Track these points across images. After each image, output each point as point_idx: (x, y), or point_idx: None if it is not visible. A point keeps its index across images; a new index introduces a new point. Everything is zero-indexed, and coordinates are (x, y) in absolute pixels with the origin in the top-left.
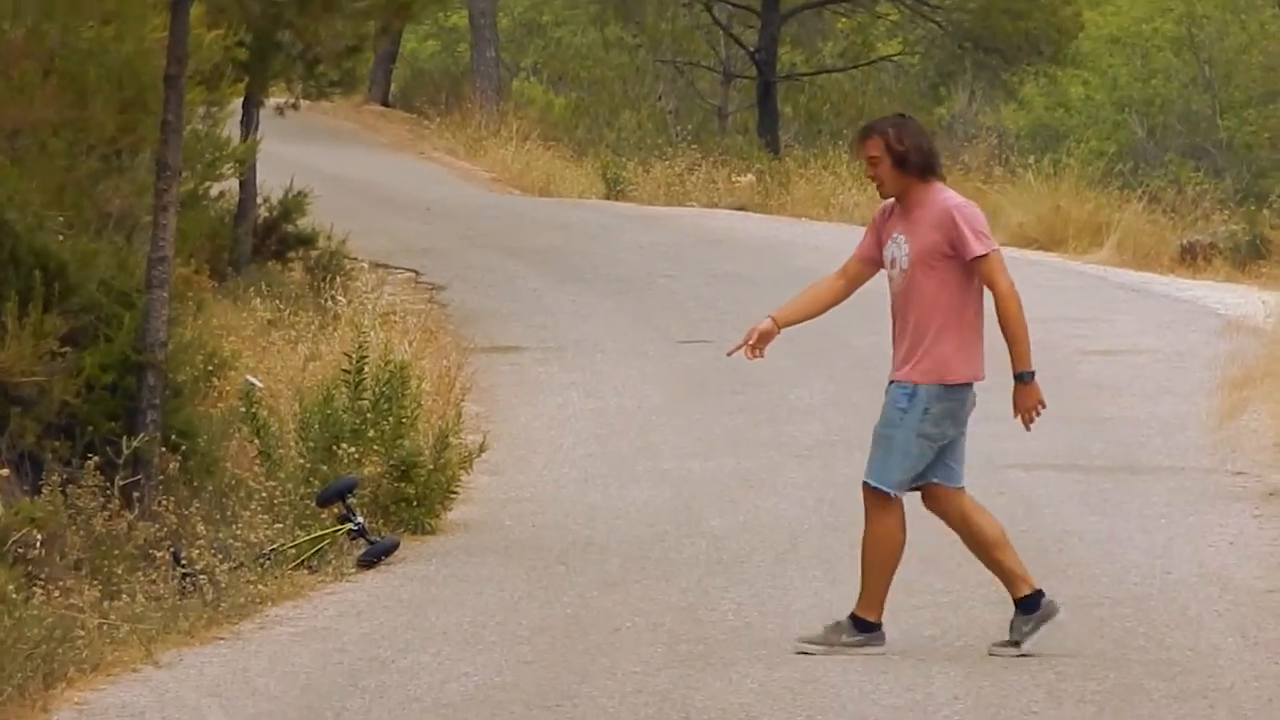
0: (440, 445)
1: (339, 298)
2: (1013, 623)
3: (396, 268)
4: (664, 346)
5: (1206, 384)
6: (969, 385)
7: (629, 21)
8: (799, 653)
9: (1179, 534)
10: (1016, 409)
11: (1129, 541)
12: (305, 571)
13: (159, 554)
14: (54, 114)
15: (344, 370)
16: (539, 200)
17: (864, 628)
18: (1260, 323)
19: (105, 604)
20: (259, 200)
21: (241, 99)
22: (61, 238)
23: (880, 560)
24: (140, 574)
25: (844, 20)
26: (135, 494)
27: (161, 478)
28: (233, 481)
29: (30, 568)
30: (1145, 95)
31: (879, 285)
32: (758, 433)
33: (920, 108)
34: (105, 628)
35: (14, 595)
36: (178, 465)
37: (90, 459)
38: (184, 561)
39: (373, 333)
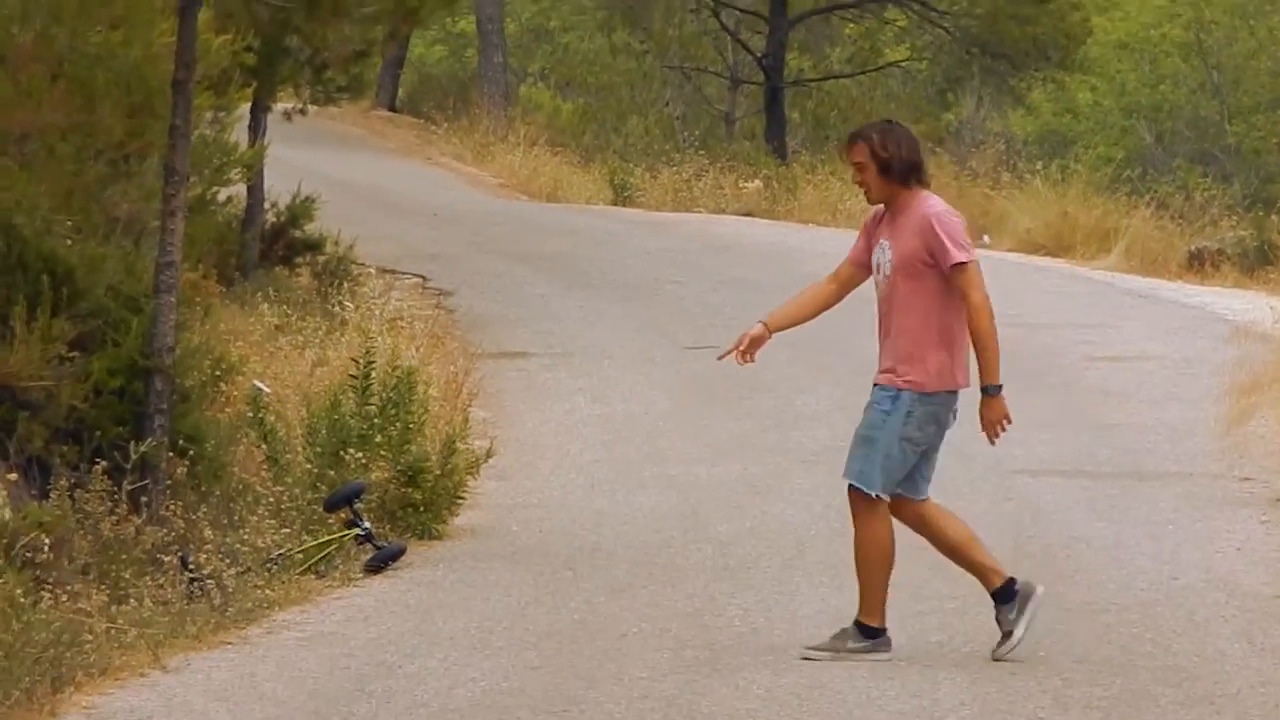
0: (447, 451)
1: (346, 303)
2: (997, 618)
3: (404, 273)
4: (671, 352)
5: (1214, 390)
6: (952, 393)
7: (636, 27)
8: (805, 659)
9: (1186, 540)
10: (983, 422)
11: (1136, 547)
12: (312, 576)
13: (167, 559)
14: (62, 118)
15: (351, 375)
16: (546, 206)
17: (869, 633)
18: (1268, 329)
19: (113, 608)
20: (266, 205)
21: (249, 104)
22: (69, 242)
23: (873, 562)
24: (148, 579)
25: (851, 26)
26: (143, 499)
27: (169, 482)
28: (240, 486)
29: (38, 572)
30: (1153, 101)
31: None
32: (765, 438)
33: (928, 113)
34: (113, 632)
35: (22, 599)
36: (185, 470)
37: (98, 464)
38: (191, 566)
39: (380, 338)
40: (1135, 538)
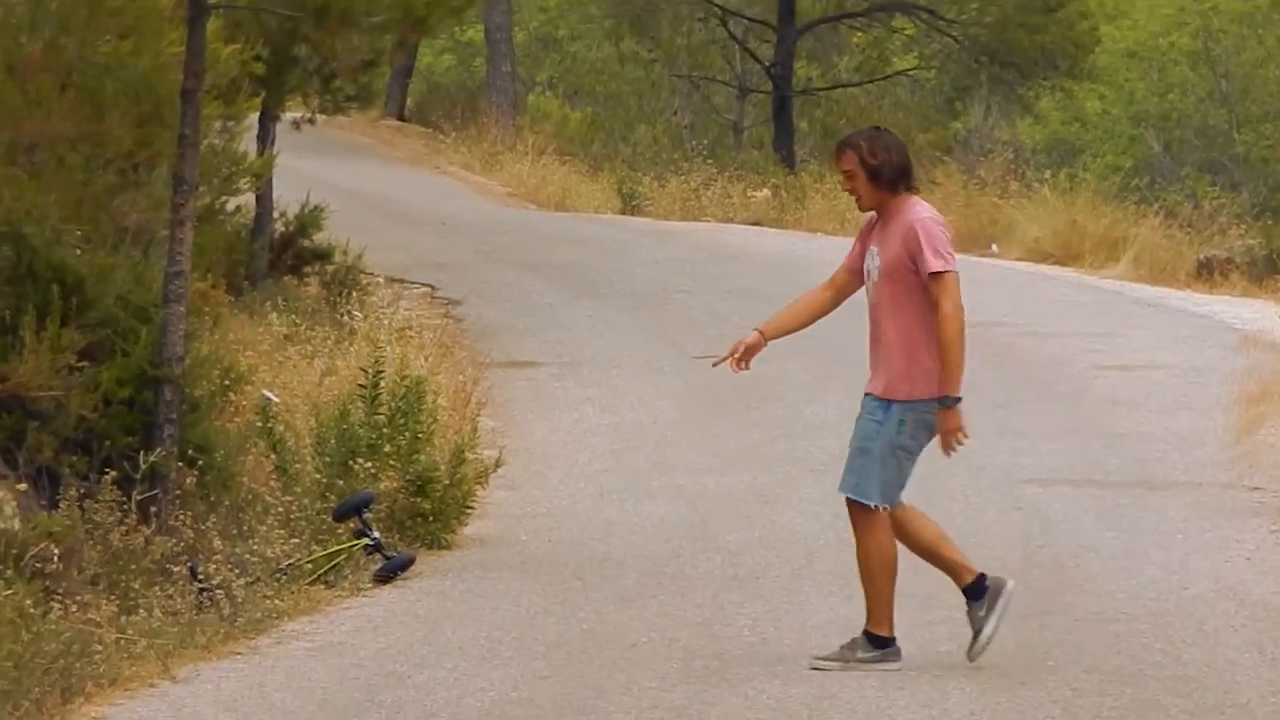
0: (456, 460)
1: (355, 313)
2: (969, 615)
3: (412, 283)
4: (679, 362)
5: (1223, 399)
6: (932, 401)
7: (644, 36)
8: (814, 669)
9: (1196, 549)
10: (939, 433)
11: (1146, 557)
12: (322, 586)
13: (176, 569)
14: (71, 128)
15: (360, 385)
16: (555, 215)
17: (878, 643)
18: (1277, 337)
19: (122, 619)
20: (275, 215)
21: (258, 114)
22: (79, 252)
23: (877, 572)
24: (157, 589)
25: (860, 35)
26: (152, 509)
27: (178, 492)
28: (249, 496)
29: (48, 582)
30: (1162, 110)
31: None
32: (773, 448)
33: (936, 122)
34: (122, 642)
35: (32, 610)
36: (195, 480)
37: (107, 473)
38: (201, 576)
39: (389, 348)
40: (1145, 547)
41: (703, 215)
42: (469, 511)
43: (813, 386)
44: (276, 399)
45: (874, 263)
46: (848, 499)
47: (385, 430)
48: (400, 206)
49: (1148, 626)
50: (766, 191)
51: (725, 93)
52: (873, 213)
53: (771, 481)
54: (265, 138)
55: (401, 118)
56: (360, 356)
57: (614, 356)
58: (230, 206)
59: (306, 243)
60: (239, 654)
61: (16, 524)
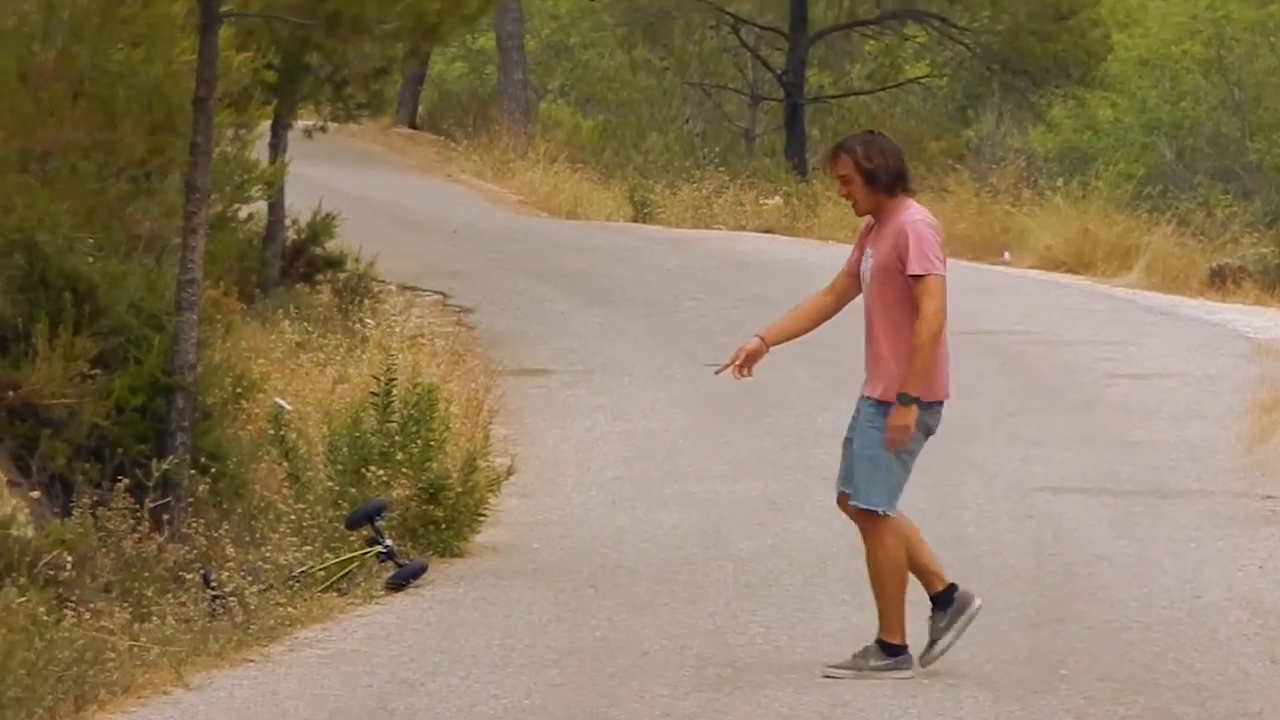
0: (468, 468)
1: (367, 320)
2: (930, 622)
3: (424, 290)
4: (691, 369)
5: (1236, 408)
6: (938, 402)
7: (656, 44)
8: (827, 677)
9: (1209, 558)
10: (887, 426)
11: (1158, 566)
12: (334, 594)
13: (189, 576)
14: (84, 136)
15: (372, 393)
16: (566, 223)
17: (891, 651)
18: None
19: (135, 626)
20: (287, 223)
21: (270, 121)
22: (91, 260)
23: (888, 580)
24: (170, 596)
25: (872, 42)
26: (165, 516)
27: (191, 500)
28: (262, 504)
29: (61, 590)
30: (1174, 118)
31: None
32: (785, 456)
33: (948, 130)
34: (135, 650)
35: (45, 617)
36: (207, 487)
37: (120, 481)
38: (214, 584)
39: (401, 355)
40: (1157, 556)
41: (714, 223)
42: (481, 519)
43: (824, 394)
44: (289, 407)
45: (868, 265)
46: (855, 508)
47: (397, 438)
48: (412, 214)
49: (1160, 635)
50: (778, 199)
51: (737, 100)
52: (870, 217)
53: (783, 489)
54: (277, 145)
55: (413, 125)
56: (372, 364)
57: (626, 364)
58: (242, 214)
59: (318, 250)
60: (252, 661)
61: (30, 531)
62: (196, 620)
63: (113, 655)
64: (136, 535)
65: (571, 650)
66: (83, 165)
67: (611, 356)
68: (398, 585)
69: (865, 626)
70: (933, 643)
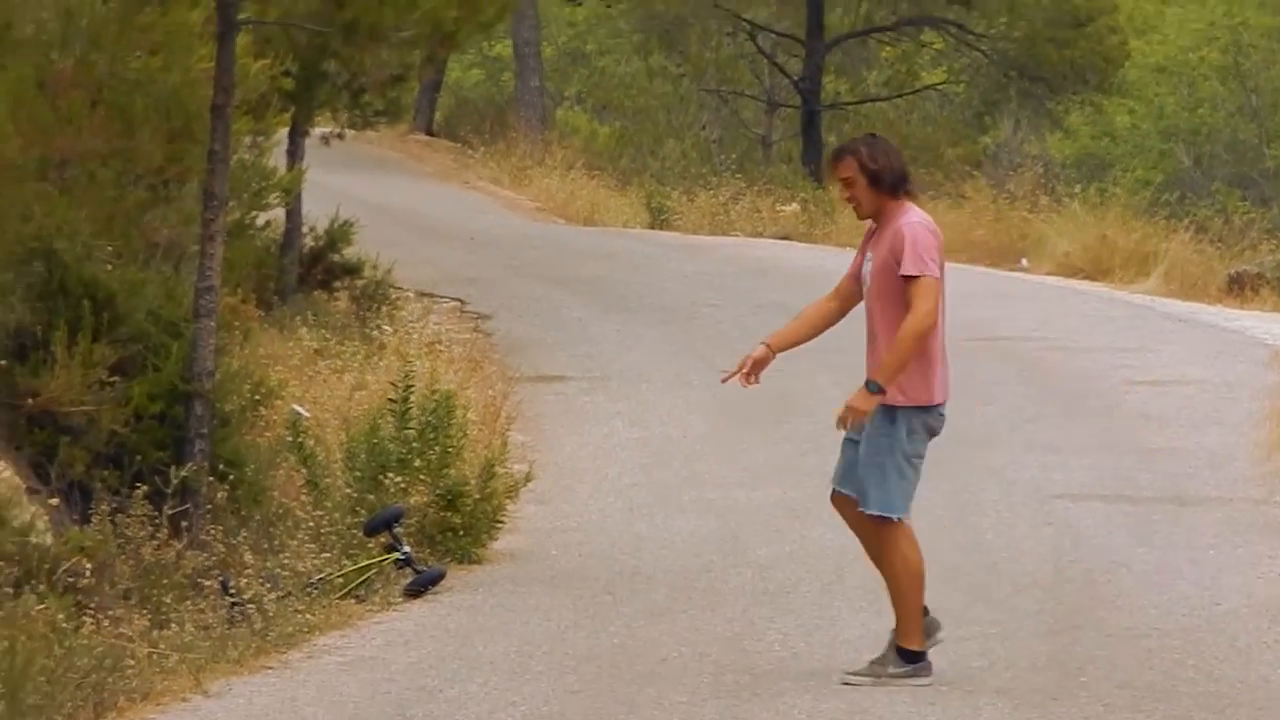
0: (486, 475)
1: (385, 327)
2: (893, 634)
3: (442, 297)
4: (708, 376)
5: (1254, 415)
6: (937, 406)
7: (673, 50)
8: (845, 684)
9: (1228, 565)
10: (845, 405)
11: (1177, 573)
12: (352, 601)
13: (207, 583)
14: (102, 144)
15: (390, 400)
16: (583, 230)
17: (909, 658)
18: None
19: (154, 633)
20: (305, 230)
21: (287, 129)
22: (110, 267)
23: (905, 585)
24: (189, 603)
25: (888, 49)
26: (183, 523)
27: (209, 507)
28: (280, 511)
29: (80, 597)
30: (1191, 124)
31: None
32: (803, 462)
33: (965, 136)
34: (154, 657)
35: (64, 624)
36: (225, 494)
37: (139, 488)
38: (232, 591)
39: (419, 362)
40: (1176, 563)
41: (731, 229)
42: (499, 526)
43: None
44: (307, 413)
45: (869, 269)
46: (870, 515)
47: (415, 445)
48: (429, 221)
49: (1180, 642)
50: (795, 206)
51: (754, 107)
52: (871, 222)
53: (802, 496)
54: (294, 153)
55: (430, 132)
56: (390, 371)
57: (643, 371)
58: (260, 221)
59: (336, 257)
60: (270, 668)
61: (49, 539)
62: (215, 627)
63: (132, 662)
64: (155, 542)
65: (590, 657)
66: (101, 173)
67: (629, 363)
68: (416, 592)
69: (883, 633)
70: (881, 660)
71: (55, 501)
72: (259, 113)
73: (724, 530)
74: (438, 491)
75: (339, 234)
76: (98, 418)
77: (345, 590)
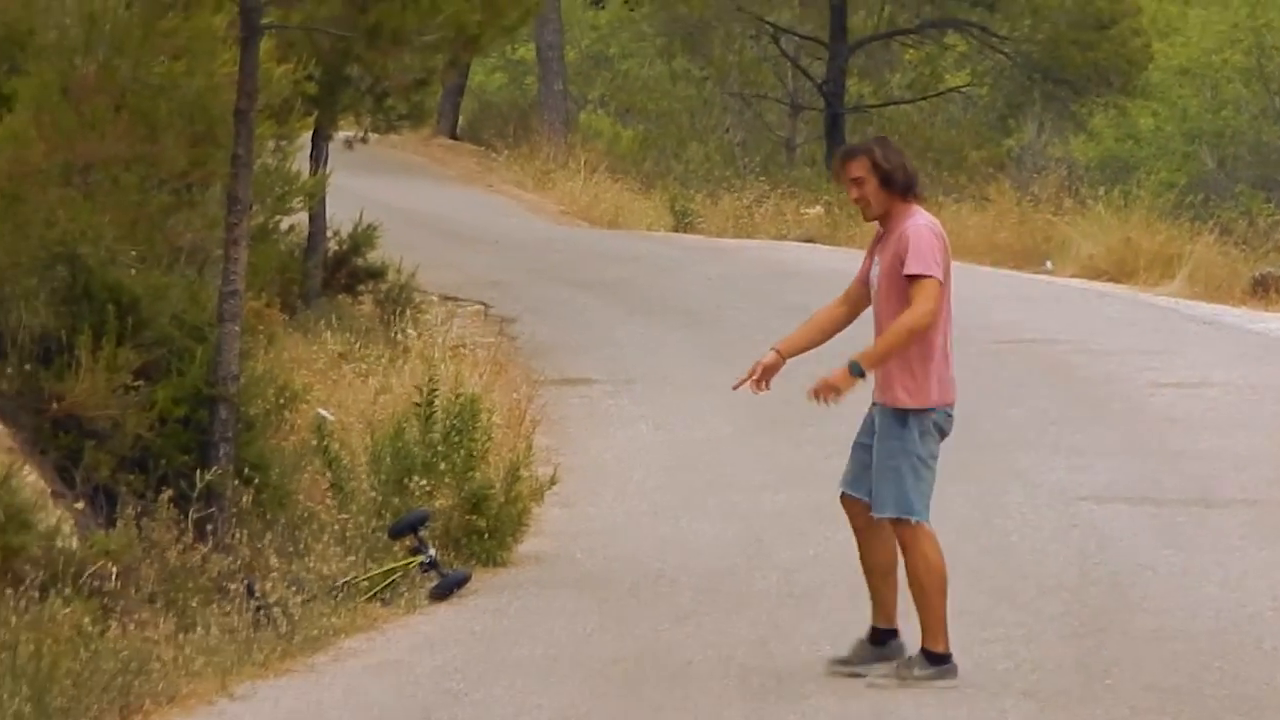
0: (511, 478)
1: (409, 331)
2: (859, 645)
3: (466, 301)
4: (733, 379)
5: None
6: (947, 407)
7: (696, 54)
8: (871, 686)
9: (1254, 568)
10: (823, 380)
11: (1204, 575)
12: (378, 604)
13: (233, 586)
14: (125, 149)
15: (415, 403)
16: (607, 233)
17: (935, 660)
18: None
19: (180, 636)
20: (329, 234)
21: (311, 133)
22: (134, 272)
23: (929, 587)
24: (214, 606)
25: (912, 51)
26: (209, 527)
27: (235, 510)
28: (305, 514)
29: (106, 600)
30: (1215, 127)
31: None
32: (828, 465)
33: (989, 139)
34: (180, 660)
35: (90, 628)
36: (251, 498)
37: (164, 492)
38: (258, 594)
39: (443, 366)
40: (1202, 565)
41: (755, 232)
42: (524, 529)
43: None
44: (332, 417)
45: (876, 271)
46: (889, 519)
47: (440, 448)
48: (453, 225)
49: (1206, 645)
50: (819, 208)
51: (777, 110)
52: (879, 226)
53: (827, 499)
54: (318, 157)
55: (454, 136)
56: (414, 374)
57: (668, 374)
58: (284, 226)
59: (360, 261)
60: (296, 671)
61: (74, 542)
62: (241, 630)
63: (157, 665)
64: (180, 546)
65: (615, 660)
66: (124, 178)
67: (653, 366)
68: (441, 595)
69: (909, 635)
70: (846, 662)
71: (80, 505)
72: (282, 117)
73: (749, 533)
74: (463, 495)
75: (363, 238)
76: (122, 422)
77: (370, 593)
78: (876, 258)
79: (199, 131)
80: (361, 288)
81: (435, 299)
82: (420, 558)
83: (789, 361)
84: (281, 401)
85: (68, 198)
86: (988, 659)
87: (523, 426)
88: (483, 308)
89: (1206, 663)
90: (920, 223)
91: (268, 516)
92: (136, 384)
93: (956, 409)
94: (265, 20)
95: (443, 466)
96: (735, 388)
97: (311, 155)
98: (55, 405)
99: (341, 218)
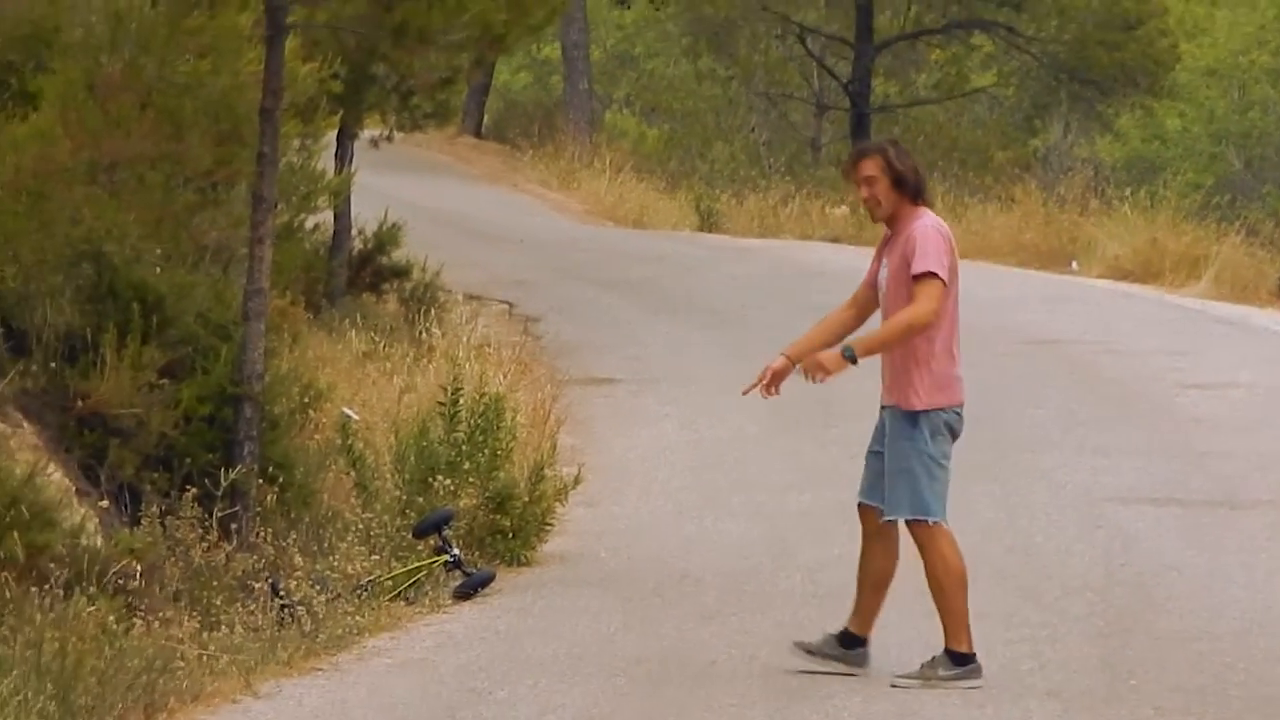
0: (535, 477)
1: (433, 330)
2: (826, 641)
3: (490, 300)
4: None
5: None
6: (957, 407)
7: (722, 53)
8: (895, 687)
9: (1279, 568)
10: (815, 358)
11: (1228, 576)
12: (402, 603)
13: (257, 585)
14: (151, 147)
15: (439, 402)
16: (632, 232)
17: (959, 660)
18: None
19: (204, 635)
20: (353, 232)
21: (336, 131)
22: (159, 270)
23: (949, 587)
24: (239, 605)
25: (938, 51)
26: (233, 525)
27: (259, 509)
28: (329, 513)
29: (130, 599)
30: (1242, 127)
31: (970, 315)
32: (853, 465)
33: (1015, 139)
34: (204, 658)
35: (114, 626)
36: (275, 497)
37: (188, 490)
38: (282, 592)
39: (467, 365)
40: (1227, 566)
41: (780, 232)
42: (548, 528)
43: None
44: (356, 416)
45: (884, 275)
46: (907, 521)
47: (464, 447)
48: (478, 224)
49: (1231, 645)
50: (844, 208)
51: (803, 109)
52: (886, 229)
53: (851, 499)
54: (343, 155)
55: (479, 135)
56: (439, 374)
57: (692, 373)
58: (309, 224)
59: (385, 260)
60: (320, 670)
61: (99, 541)
62: (265, 629)
63: (182, 664)
64: (205, 544)
65: (639, 659)
66: (150, 176)
67: (678, 366)
68: (465, 594)
69: (933, 637)
70: (811, 652)
71: (105, 504)
72: (307, 115)
73: (773, 533)
74: (487, 494)
75: (387, 236)
76: (147, 420)
77: (395, 592)
78: (884, 260)
79: (224, 130)
80: (386, 286)
81: (460, 298)
82: (444, 557)
83: None
84: (306, 400)
85: (93, 196)
86: (1012, 659)
87: (547, 426)
88: (507, 307)
89: (1231, 663)
90: (927, 224)
91: (292, 515)
92: (161, 382)
93: (982, 409)
94: (291, 19)
95: (467, 466)
96: (745, 393)
97: (336, 154)
98: (80, 403)
99: (366, 216)
